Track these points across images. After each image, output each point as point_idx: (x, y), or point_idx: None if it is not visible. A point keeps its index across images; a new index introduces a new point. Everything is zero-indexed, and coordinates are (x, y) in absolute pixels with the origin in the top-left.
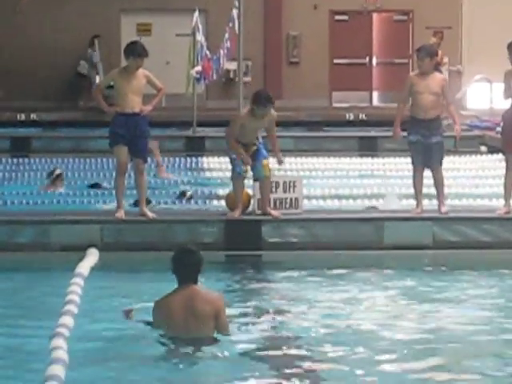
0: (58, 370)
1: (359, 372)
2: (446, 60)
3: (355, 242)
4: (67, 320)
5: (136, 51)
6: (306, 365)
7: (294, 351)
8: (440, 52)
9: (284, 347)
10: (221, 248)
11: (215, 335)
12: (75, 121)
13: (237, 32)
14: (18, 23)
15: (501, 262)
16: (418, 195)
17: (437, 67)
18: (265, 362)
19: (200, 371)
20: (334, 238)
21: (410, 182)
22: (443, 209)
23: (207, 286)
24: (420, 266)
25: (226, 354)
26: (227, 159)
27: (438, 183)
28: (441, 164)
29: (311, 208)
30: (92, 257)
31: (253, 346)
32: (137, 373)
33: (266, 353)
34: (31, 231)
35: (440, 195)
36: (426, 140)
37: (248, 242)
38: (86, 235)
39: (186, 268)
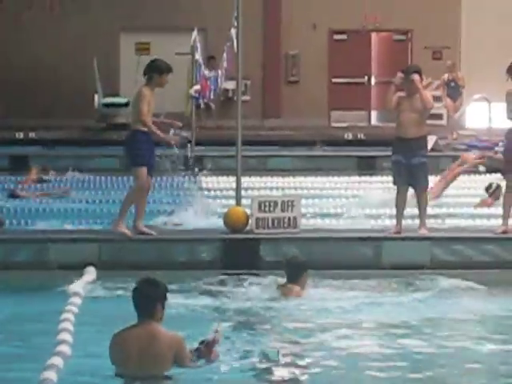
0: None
1: None
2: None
3: (353, 262)
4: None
5: (164, 68)
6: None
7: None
8: (460, 74)
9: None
10: (219, 267)
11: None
12: (75, 139)
13: (235, 51)
14: (18, 40)
15: (500, 281)
16: (398, 215)
17: (460, 90)
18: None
19: None
20: (331, 257)
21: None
22: (422, 231)
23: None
24: (417, 286)
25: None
26: (225, 178)
27: (421, 206)
28: (426, 188)
29: (309, 227)
30: (88, 275)
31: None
32: None
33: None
34: (29, 250)
35: (421, 217)
36: (407, 160)
37: (246, 261)
38: (84, 253)
39: (141, 300)
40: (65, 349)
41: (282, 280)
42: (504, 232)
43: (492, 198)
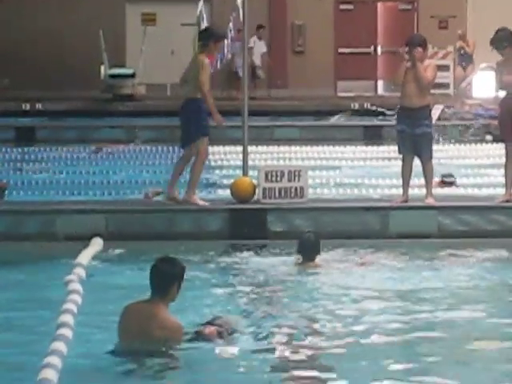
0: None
1: (359, 357)
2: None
3: (360, 231)
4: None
5: (220, 34)
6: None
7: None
8: (471, 41)
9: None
10: (225, 237)
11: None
12: (81, 110)
13: (241, 21)
14: (23, 12)
15: (505, 250)
16: (404, 184)
17: (470, 57)
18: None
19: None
20: (338, 227)
21: (416, 170)
22: (429, 200)
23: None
24: (424, 255)
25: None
26: (232, 148)
27: (427, 175)
28: (430, 157)
29: (316, 197)
30: (94, 246)
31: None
32: None
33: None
34: (36, 221)
35: (428, 186)
36: (411, 130)
37: (253, 231)
38: (91, 225)
39: (156, 278)
40: (69, 319)
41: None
42: (507, 201)
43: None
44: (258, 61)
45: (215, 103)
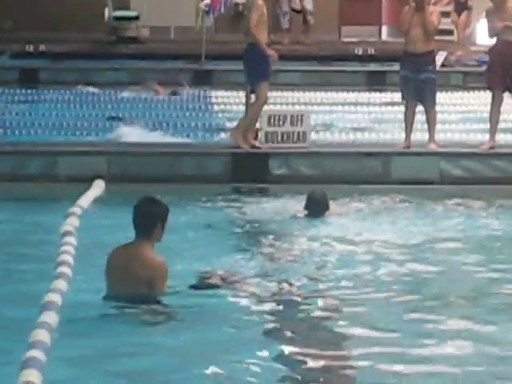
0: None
1: (357, 303)
2: None
3: (362, 176)
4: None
5: None
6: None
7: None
8: None
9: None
10: (227, 181)
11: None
12: (84, 53)
13: None
14: None
15: (506, 196)
16: (406, 130)
17: (465, 4)
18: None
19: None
20: (340, 172)
21: (420, 117)
22: (432, 146)
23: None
24: (426, 201)
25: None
26: (235, 93)
27: (430, 121)
28: (434, 103)
29: (319, 142)
30: (96, 188)
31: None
32: None
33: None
34: (39, 162)
35: (431, 133)
36: (415, 75)
37: (255, 174)
38: (93, 166)
39: (139, 218)
40: (68, 258)
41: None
42: (491, 148)
43: None
44: (309, 5)
45: None
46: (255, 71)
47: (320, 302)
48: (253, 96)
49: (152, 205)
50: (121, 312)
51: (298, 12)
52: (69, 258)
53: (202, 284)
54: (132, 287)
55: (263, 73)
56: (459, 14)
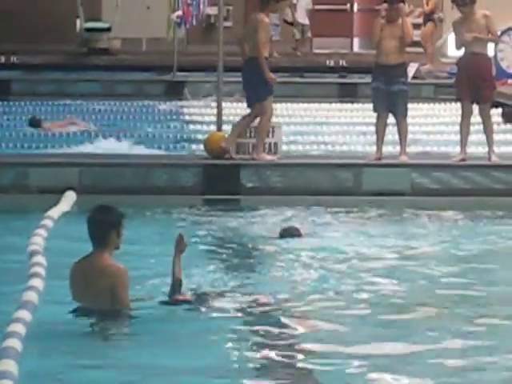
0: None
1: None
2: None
3: (334, 188)
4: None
5: None
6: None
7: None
8: (433, 0)
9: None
10: (199, 192)
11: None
12: (56, 64)
13: None
14: None
15: (478, 208)
16: (378, 141)
17: (430, 16)
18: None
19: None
20: (312, 184)
21: (391, 129)
22: (403, 157)
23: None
24: (397, 212)
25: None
26: (206, 103)
27: (401, 133)
28: (405, 115)
29: (290, 153)
30: (67, 200)
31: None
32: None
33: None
34: (10, 173)
35: (402, 145)
36: (387, 87)
37: (226, 186)
38: (65, 178)
39: (93, 227)
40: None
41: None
42: (462, 160)
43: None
44: (301, 18)
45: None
46: (259, 87)
47: (294, 317)
48: (247, 110)
49: (104, 213)
50: (86, 326)
51: (290, 24)
52: (40, 270)
53: (173, 300)
54: (94, 299)
55: (268, 88)
56: (425, 26)
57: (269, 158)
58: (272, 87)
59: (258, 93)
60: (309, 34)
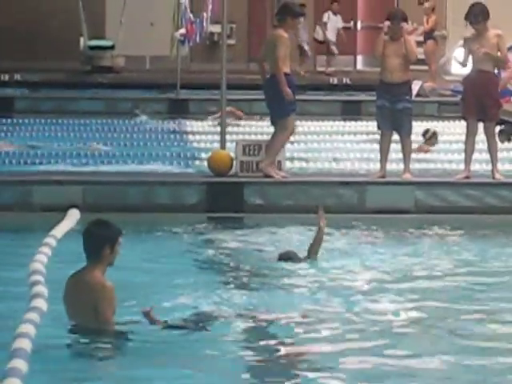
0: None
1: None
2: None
3: (337, 206)
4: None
5: (297, 11)
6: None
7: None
8: (433, 17)
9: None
10: (203, 210)
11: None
12: (60, 82)
13: None
14: None
15: (482, 226)
16: (381, 160)
17: (430, 34)
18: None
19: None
20: (315, 202)
21: (394, 146)
22: (407, 175)
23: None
24: (401, 230)
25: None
26: (210, 121)
27: (405, 151)
28: (410, 133)
29: (294, 171)
30: (71, 218)
31: None
32: None
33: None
34: (13, 191)
35: (406, 162)
36: (391, 105)
37: (230, 204)
38: (68, 196)
39: (87, 241)
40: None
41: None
42: (466, 177)
43: (427, 145)
44: (331, 36)
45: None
46: (281, 104)
47: (297, 340)
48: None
49: (100, 227)
50: (74, 344)
51: (320, 43)
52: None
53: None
54: (80, 316)
55: (290, 105)
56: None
57: (278, 175)
58: (295, 104)
59: (281, 110)
60: (335, 51)
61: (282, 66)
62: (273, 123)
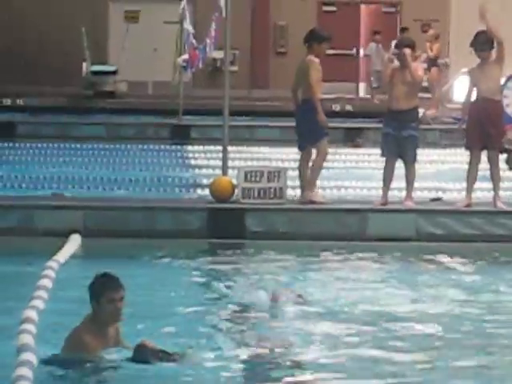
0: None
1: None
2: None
3: (339, 233)
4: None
5: (323, 36)
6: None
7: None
8: (436, 45)
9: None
10: (204, 236)
11: None
12: (62, 107)
13: (224, 20)
14: (5, 6)
15: (483, 254)
16: (384, 186)
17: (435, 61)
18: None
19: None
20: (317, 229)
21: (398, 172)
22: (408, 203)
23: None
24: (403, 258)
25: None
26: (212, 147)
27: (409, 178)
28: (414, 161)
29: (295, 198)
30: (73, 243)
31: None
32: None
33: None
34: (14, 216)
35: (408, 190)
36: (397, 133)
37: (232, 230)
38: (69, 221)
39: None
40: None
41: None
42: (467, 205)
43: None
44: (378, 66)
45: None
46: (315, 129)
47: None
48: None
49: (93, 279)
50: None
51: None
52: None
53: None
54: None
55: (323, 129)
56: (429, 71)
57: (321, 198)
58: (327, 128)
59: (315, 134)
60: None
61: (316, 90)
62: (301, 149)
